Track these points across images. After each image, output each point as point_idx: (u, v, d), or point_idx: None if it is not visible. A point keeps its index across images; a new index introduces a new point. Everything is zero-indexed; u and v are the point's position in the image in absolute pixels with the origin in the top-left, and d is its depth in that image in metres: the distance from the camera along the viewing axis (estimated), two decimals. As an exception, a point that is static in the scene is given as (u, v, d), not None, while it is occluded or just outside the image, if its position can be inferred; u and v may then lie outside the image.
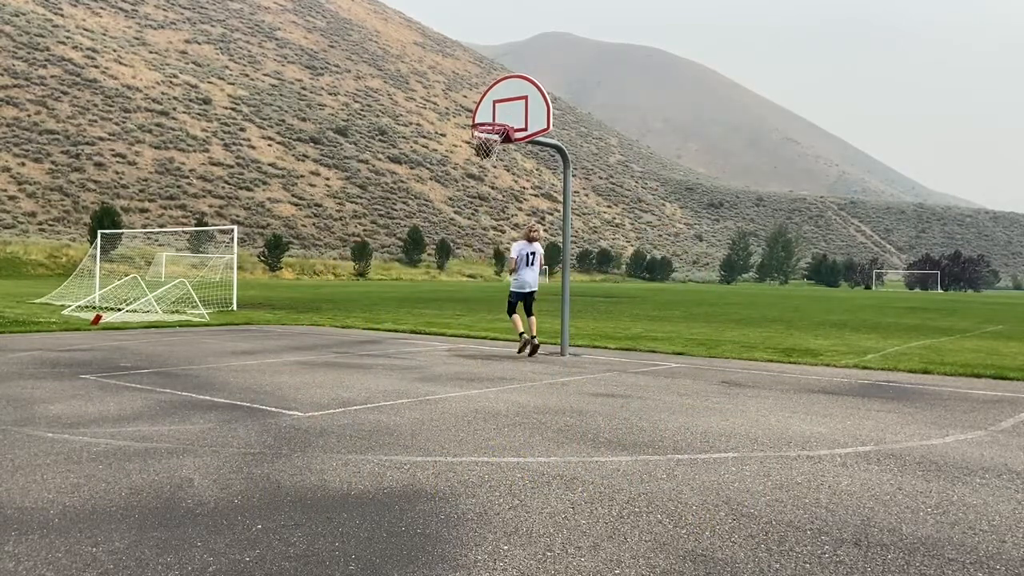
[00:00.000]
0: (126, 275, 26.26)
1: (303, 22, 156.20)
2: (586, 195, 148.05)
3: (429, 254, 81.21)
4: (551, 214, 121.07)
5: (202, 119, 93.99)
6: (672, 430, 5.87)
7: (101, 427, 5.62)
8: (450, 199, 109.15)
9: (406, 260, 78.79)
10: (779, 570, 3.13)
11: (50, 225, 62.65)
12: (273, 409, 6.43)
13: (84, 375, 8.27)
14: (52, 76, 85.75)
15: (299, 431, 5.59)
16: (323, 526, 3.54)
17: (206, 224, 65.57)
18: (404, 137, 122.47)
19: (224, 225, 64.41)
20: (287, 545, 3.29)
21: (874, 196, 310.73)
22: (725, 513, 3.83)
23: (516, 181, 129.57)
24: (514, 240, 11.82)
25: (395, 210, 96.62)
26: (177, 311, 18.34)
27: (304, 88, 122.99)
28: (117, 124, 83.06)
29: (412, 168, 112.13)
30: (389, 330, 15.27)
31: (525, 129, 11.01)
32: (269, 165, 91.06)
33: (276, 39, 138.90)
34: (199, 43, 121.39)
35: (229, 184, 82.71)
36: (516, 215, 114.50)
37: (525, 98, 11.12)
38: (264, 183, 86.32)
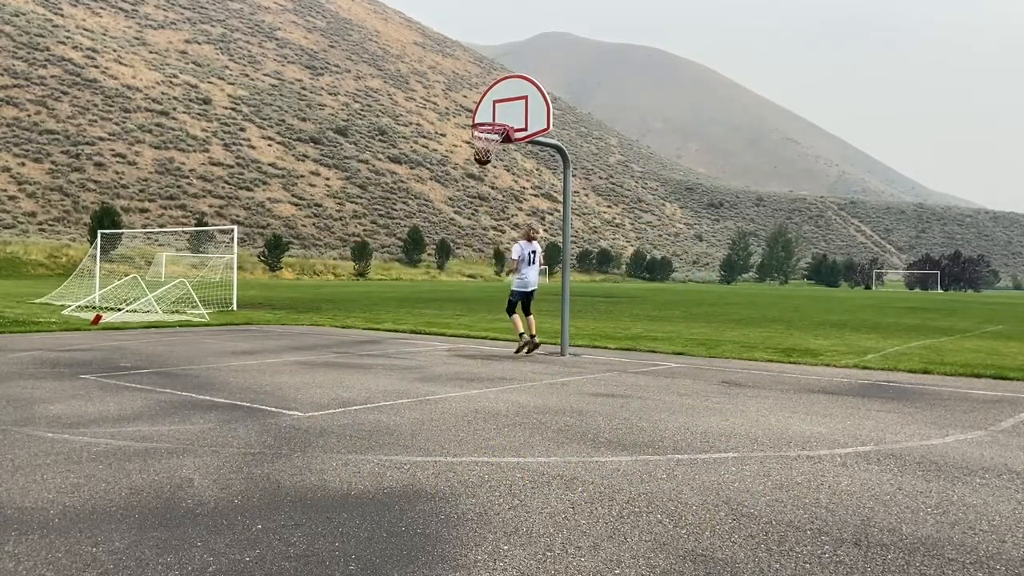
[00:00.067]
0: (126, 275, 26.26)
1: (303, 22, 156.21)
2: (586, 195, 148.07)
3: (429, 254, 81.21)
4: (551, 214, 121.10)
5: (202, 119, 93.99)
6: (672, 430, 5.87)
7: (101, 427, 5.62)
8: (450, 199, 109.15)
9: (406, 260, 78.80)
10: (779, 570, 3.13)
11: (50, 225, 62.65)
12: (273, 409, 6.43)
13: (84, 375, 8.27)
14: (52, 76, 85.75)
15: (299, 431, 5.59)
16: (323, 526, 3.54)
17: (206, 224, 65.57)
18: (404, 137, 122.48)
19: (224, 225, 64.41)
20: (287, 545, 3.29)
21: (874, 196, 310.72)
22: (725, 513, 3.83)
23: (516, 181, 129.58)
24: (514, 240, 11.90)
25: (395, 210, 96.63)
26: (177, 311, 18.34)
27: (304, 88, 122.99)
28: (117, 124, 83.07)
29: (412, 168, 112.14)
30: (389, 330, 15.27)
31: (525, 129, 11.02)
32: (269, 165, 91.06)
33: (276, 39, 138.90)
34: (199, 43, 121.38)
35: (229, 184, 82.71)
36: (516, 215, 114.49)
37: (525, 98, 11.13)
38: (264, 183, 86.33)
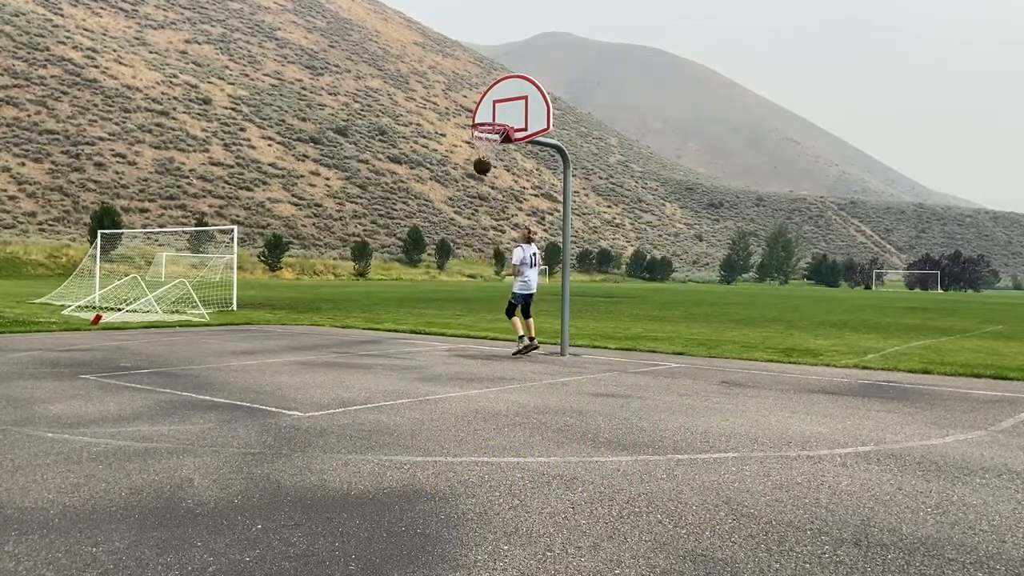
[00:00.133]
0: (126, 275, 26.26)
1: (303, 22, 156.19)
2: (586, 195, 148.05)
3: (429, 254, 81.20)
4: (551, 214, 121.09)
5: (202, 119, 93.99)
6: (672, 430, 5.87)
7: (101, 427, 5.62)
8: (450, 199, 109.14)
9: (406, 260, 78.78)
10: (779, 570, 3.13)
11: (50, 225, 62.65)
12: (273, 409, 6.43)
13: (84, 375, 8.27)
14: (52, 76, 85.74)
15: (299, 431, 5.59)
16: (323, 526, 3.54)
17: (206, 224, 65.56)
18: (404, 137, 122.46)
19: (224, 225, 64.41)
20: (287, 545, 3.29)
21: (874, 196, 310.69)
22: (725, 513, 3.83)
23: (516, 181, 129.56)
24: (513, 241, 11.97)
25: (395, 210, 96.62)
26: (177, 311, 18.34)
27: (304, 88, 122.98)
28: (117, 124, 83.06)
29: (412, 168, 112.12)
30: (389, 330, 15.27)
31: (525, 129, 11.02)
32: (269, 165, 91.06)
33: (276, 39, 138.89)
34: (199, 43, 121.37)
35: (229, 184, 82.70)
36: (516, 215, 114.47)
37: (525, 98, 11.13)
38: (264, 183, 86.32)
